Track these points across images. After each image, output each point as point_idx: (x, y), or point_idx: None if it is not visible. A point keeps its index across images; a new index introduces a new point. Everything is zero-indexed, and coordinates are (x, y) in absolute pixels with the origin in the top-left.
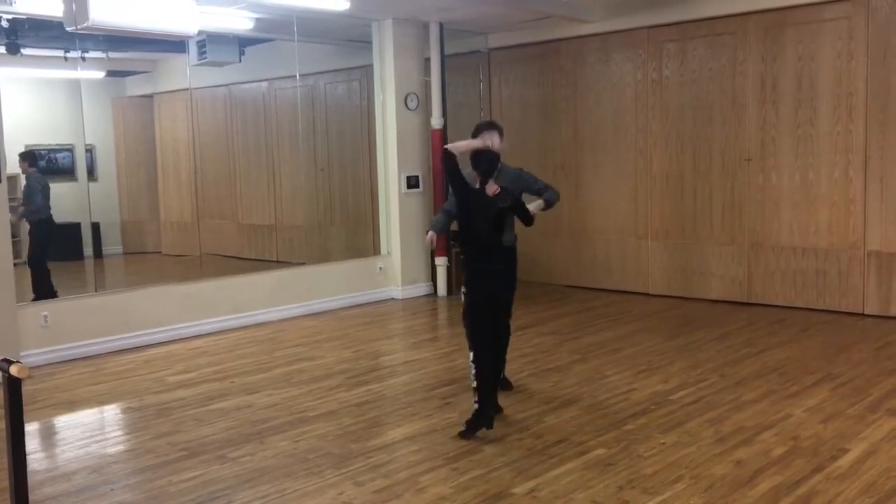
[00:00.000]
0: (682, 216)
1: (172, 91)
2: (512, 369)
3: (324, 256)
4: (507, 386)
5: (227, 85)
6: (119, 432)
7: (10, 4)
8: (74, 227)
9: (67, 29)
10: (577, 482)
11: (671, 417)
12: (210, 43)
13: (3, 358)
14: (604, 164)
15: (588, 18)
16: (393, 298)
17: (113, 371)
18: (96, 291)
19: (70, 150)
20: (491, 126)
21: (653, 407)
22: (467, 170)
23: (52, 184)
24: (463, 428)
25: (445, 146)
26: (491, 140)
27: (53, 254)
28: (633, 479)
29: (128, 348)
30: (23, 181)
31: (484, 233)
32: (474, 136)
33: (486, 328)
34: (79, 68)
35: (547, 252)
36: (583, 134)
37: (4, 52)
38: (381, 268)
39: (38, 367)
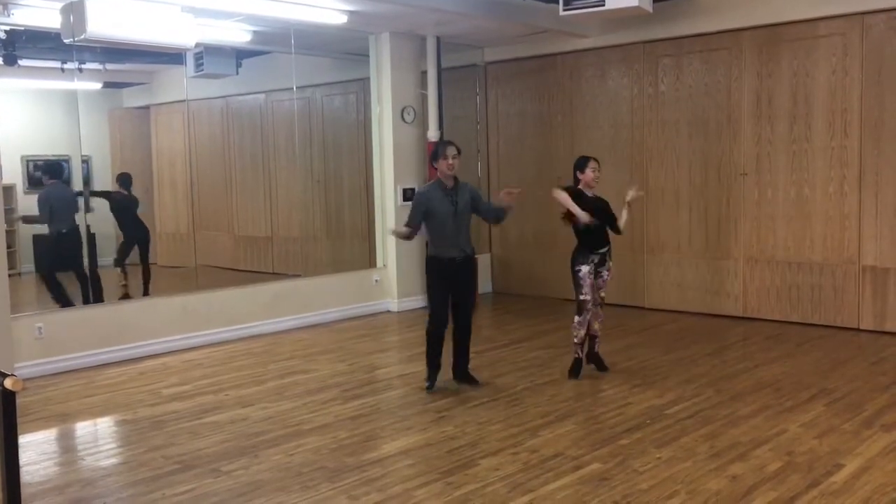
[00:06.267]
0: (678, 230)
1: (169, 102)
2: (507, 383)
3: (319, 269)
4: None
5: (224, 97)
6: (112, 445)
7: (8, 16)
8: None
9: (65, 41)
10: (573, 497)
11: (666, 432)
12: (207, 55)
13: None
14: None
15: (584, 33)
16: (388, 311)
17: (107, 383)
18: (91, 303)
19: (66, 160)
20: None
21: (648, 421)
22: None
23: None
24: None
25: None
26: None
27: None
28: (629, 493)
29: (122, 360)
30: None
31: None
32: (441, 153)
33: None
34: (76, 79)
35: (543, 266)
36: (579, 148)
37: (1, 63)
38: (376, 280)
39: (32, 378)
